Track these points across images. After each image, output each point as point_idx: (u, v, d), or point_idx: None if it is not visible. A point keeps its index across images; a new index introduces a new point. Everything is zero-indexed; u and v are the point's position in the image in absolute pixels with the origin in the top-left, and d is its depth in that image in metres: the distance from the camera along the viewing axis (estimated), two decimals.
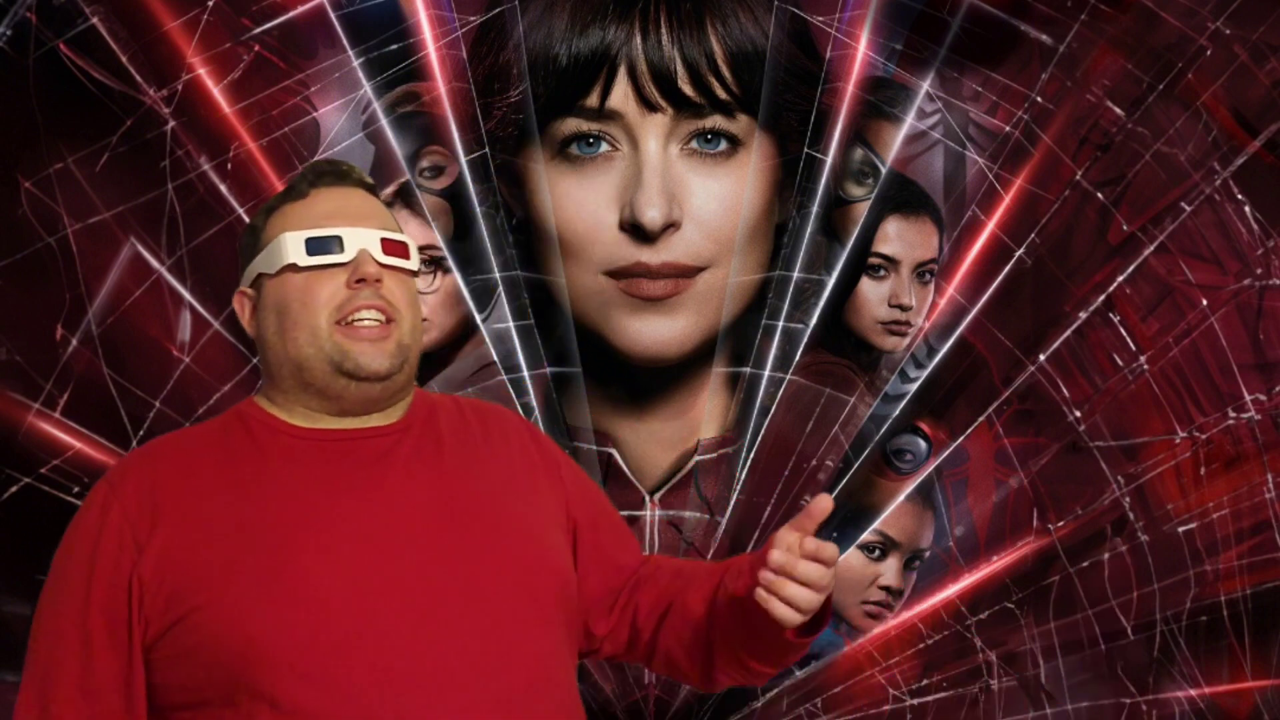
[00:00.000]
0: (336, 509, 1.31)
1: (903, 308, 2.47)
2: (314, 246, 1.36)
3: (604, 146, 2.30)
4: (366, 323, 1.35)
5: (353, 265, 1.36)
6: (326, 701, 1.23)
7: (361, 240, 1.37)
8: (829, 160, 2.39)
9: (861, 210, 2.44)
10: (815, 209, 2.40)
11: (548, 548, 1.40)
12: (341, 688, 1.23)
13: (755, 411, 2.42)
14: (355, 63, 2.32)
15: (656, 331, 2.34)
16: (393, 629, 1.25)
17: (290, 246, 1.36)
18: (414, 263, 1.42)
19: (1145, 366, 2.42)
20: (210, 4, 2.25)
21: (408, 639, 1.25)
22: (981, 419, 2.44)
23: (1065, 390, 2.42)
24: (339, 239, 1.37)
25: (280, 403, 1.40)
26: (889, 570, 2.49)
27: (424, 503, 1.34)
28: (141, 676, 1.28)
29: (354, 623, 1.25)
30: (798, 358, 2.43)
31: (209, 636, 1.25)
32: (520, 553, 1.35)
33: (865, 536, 2.47)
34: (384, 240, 1.38)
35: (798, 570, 1.26)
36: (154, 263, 2.27)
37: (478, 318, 2.40)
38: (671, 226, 2.28)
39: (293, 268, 1.36)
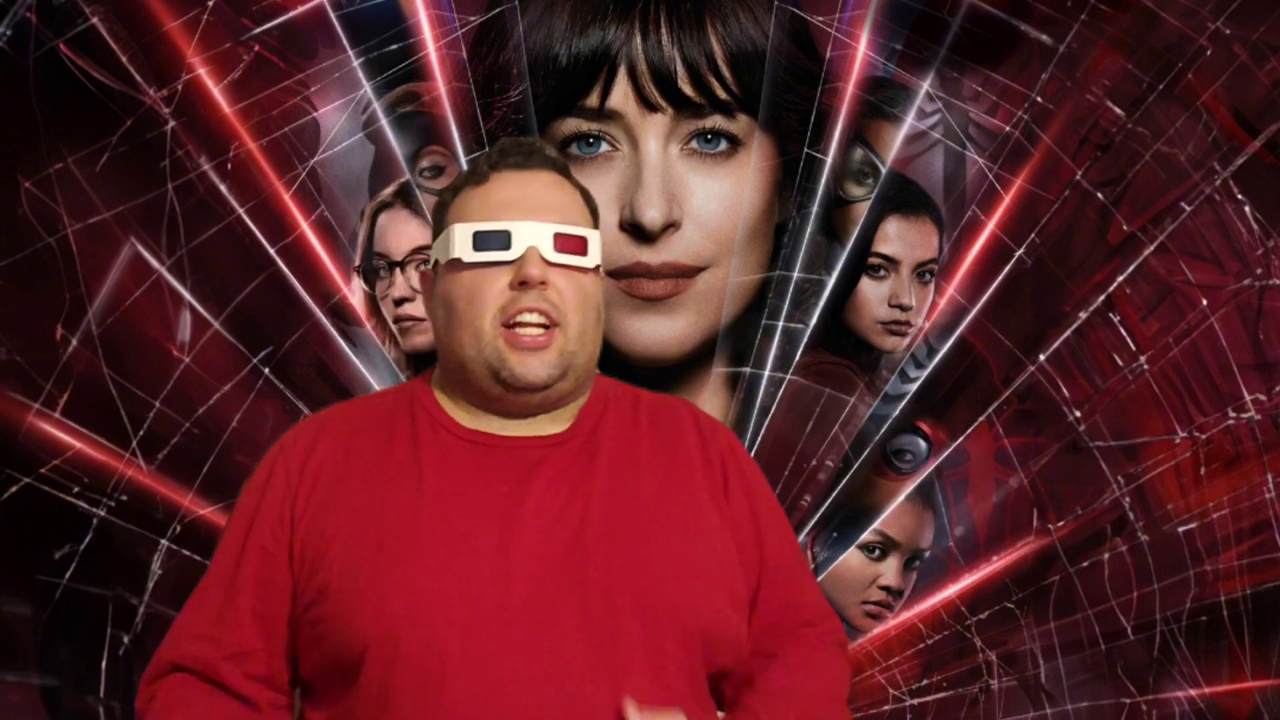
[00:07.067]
0: (472, 517, 1.27)
1: (903, 308, 2.47)
2: (480, 241, 1.30)
3: (604, 146, 2.30)
4: (528, 330, 1.29)
5: (518, 264, 1.29)
6: (419, 704, 1.21)
7: (531, 236, 1.29)
8: (829, 160, 2.39)
9: (861, 210, 2.44)
10: (815, 209, 2.40)
11: (685, 585, 1.30)
12: (434, 694, 1.20)
13: (755, 411, 2.41)
14: (355, 63, 2.32)
15: (656, 331, 2.34)
16: (492, 650, 1.21)
17: (458, 239, 1.31)
18: (591, 259, 1.34)
19: (1145, 366, 2.42)
20: (210, 4, 2.25)
21: (502, 662, 1.21)
22: (981, 419, 2.44)
23: (1065, 390, 2.42)
24: (507, 234, 1.29)
25: (449, 392, 1.36)
26: (889, 570, 2.49)
27: (558, 526, 1.27)
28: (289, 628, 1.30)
29: (455, 636, 1.21)
30: (798, 358, 2.42)
31: (330, 616, 1.25)
32: (643, 589, 1.28)
33: (865, 536, 2.47)
34: (557, 235, 1.30)
35: None
36: (154, 263, 2.27)
37: None
38: (671, 226, 2.28)
39: (459, 262, 1.31)
